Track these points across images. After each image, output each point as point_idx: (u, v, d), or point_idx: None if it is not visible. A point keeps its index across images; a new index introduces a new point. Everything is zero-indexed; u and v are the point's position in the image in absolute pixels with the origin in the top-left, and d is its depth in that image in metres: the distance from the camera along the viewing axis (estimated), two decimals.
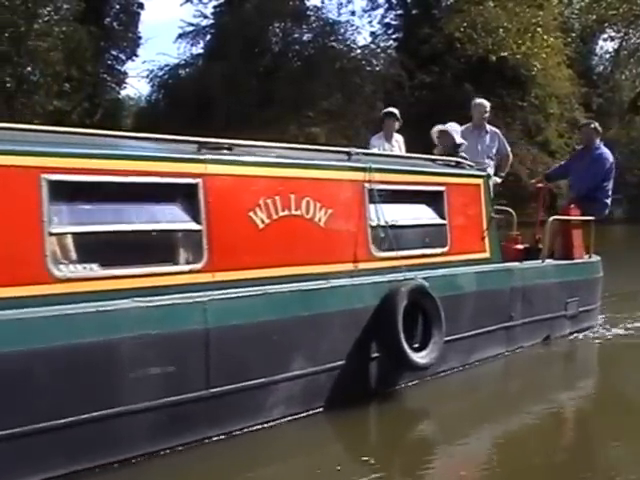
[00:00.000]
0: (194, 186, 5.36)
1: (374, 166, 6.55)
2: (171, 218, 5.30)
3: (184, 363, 5.09)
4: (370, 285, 6.27)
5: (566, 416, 6.73)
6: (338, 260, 6.22)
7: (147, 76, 33.79)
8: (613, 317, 9.88)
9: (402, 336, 6.15)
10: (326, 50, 33.75)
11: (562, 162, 10.98)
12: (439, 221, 7.17)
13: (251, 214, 5.65)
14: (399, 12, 36.21)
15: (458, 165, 7.66)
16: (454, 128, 8.48)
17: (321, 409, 5.91)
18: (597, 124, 9.73)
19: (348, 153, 6.55)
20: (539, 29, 31.61)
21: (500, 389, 7.25)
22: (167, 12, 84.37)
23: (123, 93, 35.92)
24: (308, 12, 34.40)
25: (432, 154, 8.02)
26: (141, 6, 32.24)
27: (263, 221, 5.71)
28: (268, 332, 5.52)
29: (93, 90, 30.88)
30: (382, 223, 6.50)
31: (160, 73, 33.52)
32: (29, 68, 28.84)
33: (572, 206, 8.91)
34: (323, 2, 35.65)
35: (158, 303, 4.99)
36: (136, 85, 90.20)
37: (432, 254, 7.01)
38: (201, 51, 34.11)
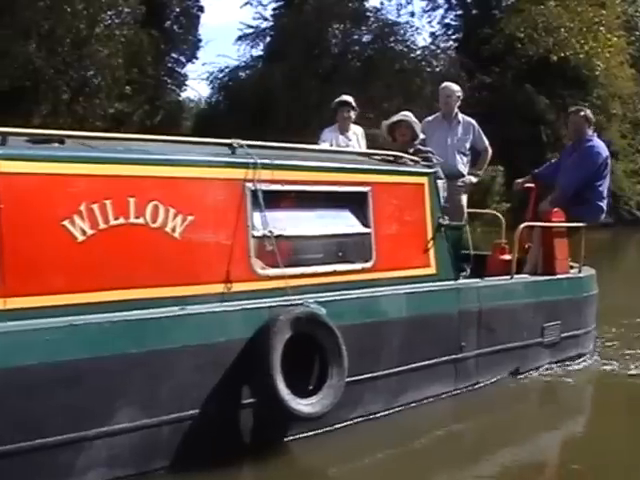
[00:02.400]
0: None
1: (262, 162, 4.98)
2: None
3: None
4: (241, 312, 4.70)
5: None
6: (201, 281, 4.68)
7: (207, 78, 33.10)
8: (621, 341, 8.06)
9: (278, 378, 4.58)
10: (386, 51, 32.36)
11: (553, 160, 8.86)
12: (360, 230, 5.50)
13: (66, 223, 4.19)
14: (459, 12, 34.51)
15: (397, 161, 6.01)
16: (413, 119, 6.91)
17: (162, 470, 4.40)
18: (589, 112, 7.58)
19: (231, 146, 4.99)
20: (602, 28, 29.75)
21: (429, 441, 5.30)
22: (227, 14, 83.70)
23: (183, 95, 35.29)
24: (367, 13, 32.94)
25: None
26: (201, 9, 31.44)
27: (84, 232, 4.24)
28: (74, 375, 4.04)
29: (154, 92, 30.20)
30: (269, 233, 4.93)
31: (220, 75, 32.69)
32: (91, 72, 28.17)
33: (555, 210, 6.97)
34: (382, 3, 34.39)
35: None
36: (196, 87, 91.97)
37: (347, 271, 5.37)
38: (261, 53, 33.04)
